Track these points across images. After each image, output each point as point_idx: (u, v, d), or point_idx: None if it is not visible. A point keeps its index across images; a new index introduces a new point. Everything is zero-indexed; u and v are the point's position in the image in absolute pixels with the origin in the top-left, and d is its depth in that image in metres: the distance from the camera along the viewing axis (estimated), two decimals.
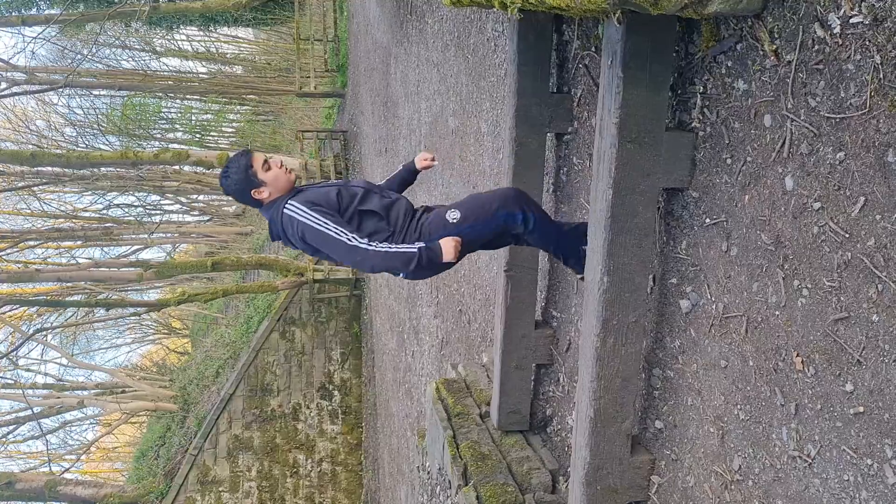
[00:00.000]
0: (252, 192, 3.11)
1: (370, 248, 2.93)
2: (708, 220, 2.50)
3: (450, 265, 3.06)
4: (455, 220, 3.06)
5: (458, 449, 3.79)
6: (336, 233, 2.94)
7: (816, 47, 1.97)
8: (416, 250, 2.92)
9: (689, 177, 2.57)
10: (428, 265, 2.97)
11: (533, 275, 3.69)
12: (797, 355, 2.09)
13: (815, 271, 2.02)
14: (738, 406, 2.35)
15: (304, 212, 2.99)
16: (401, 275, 3.15)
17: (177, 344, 30.23)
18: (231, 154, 3.37)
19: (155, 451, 14.54)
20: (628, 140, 2.46)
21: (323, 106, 18.31)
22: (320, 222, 2.96)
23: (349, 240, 2.93)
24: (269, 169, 3.10)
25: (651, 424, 2.86)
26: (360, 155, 12.29)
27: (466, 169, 5.70)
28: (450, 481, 3.76)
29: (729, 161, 2.38)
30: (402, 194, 3.39)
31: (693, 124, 2.55)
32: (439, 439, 3.99)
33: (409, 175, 3.59)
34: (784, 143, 2.12)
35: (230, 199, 3.34)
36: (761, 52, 2.19)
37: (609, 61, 2.47)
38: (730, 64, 2.35)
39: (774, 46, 2.13)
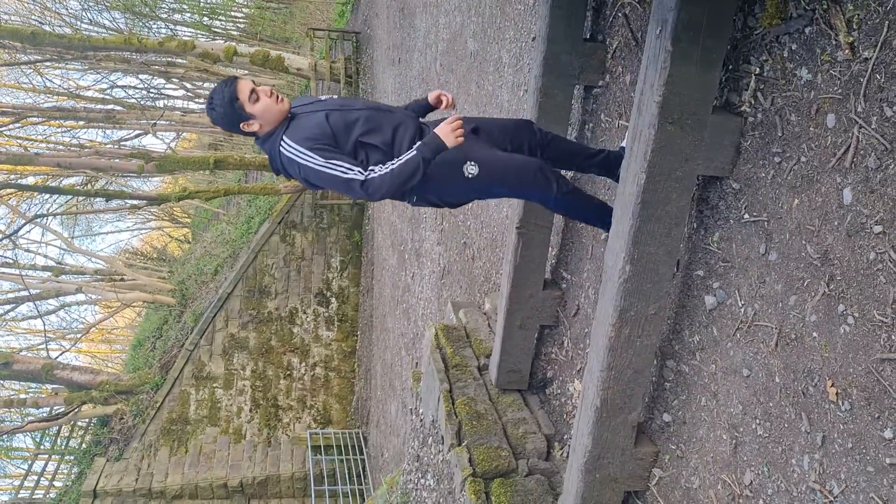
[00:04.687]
0: (241, 125, 2.79)
1: (374, 175, 2.62)
2: (747, 216, 2.28)
3: (460, 171, 2.77)
4: (472, 176, 2.79)
5: (453, 405, 3.69)
6: (340, 171, 2.63)
7: None
8: (416, 151, 2.62)
9: (731, 166, 2.34)
10: (435, 165, 2.68)
11: (546, 233, 3.49)
12: (832, 384, 1.93)
13: (866, 300, 1.83)
14: (758, 420, 2.21)
15: (302, 153, 2.68)
16: (413, 199, 2.87)
17: (178, 233, 30.20)
18: (217, 82, 2.89)
19: (151, 342, 14.65)
20: (669, 121, 2.22)
21: (336, 1, 17.54)
22: (320, 162, 2.65)
23: (355, 175, 2.62)
24: (257, 100, 2.75)
25: (658, 416, 2.73)
26: (373, 60, 11.80)
27: (483, 99, 5.40)
28: (443, 437, 3.68)
29: (779, 157, 2.14)
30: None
31: (742, 108, 2.29)
32: (435, 391, 3.89)
33: (421, 111, 3.16)
34: (848, 150, 1.89)
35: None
36: (834, 42, 1.93)
37: (658, 30, 2.20)
38: (794, 47, 2.08)
39: (851, 39, 1.86)
